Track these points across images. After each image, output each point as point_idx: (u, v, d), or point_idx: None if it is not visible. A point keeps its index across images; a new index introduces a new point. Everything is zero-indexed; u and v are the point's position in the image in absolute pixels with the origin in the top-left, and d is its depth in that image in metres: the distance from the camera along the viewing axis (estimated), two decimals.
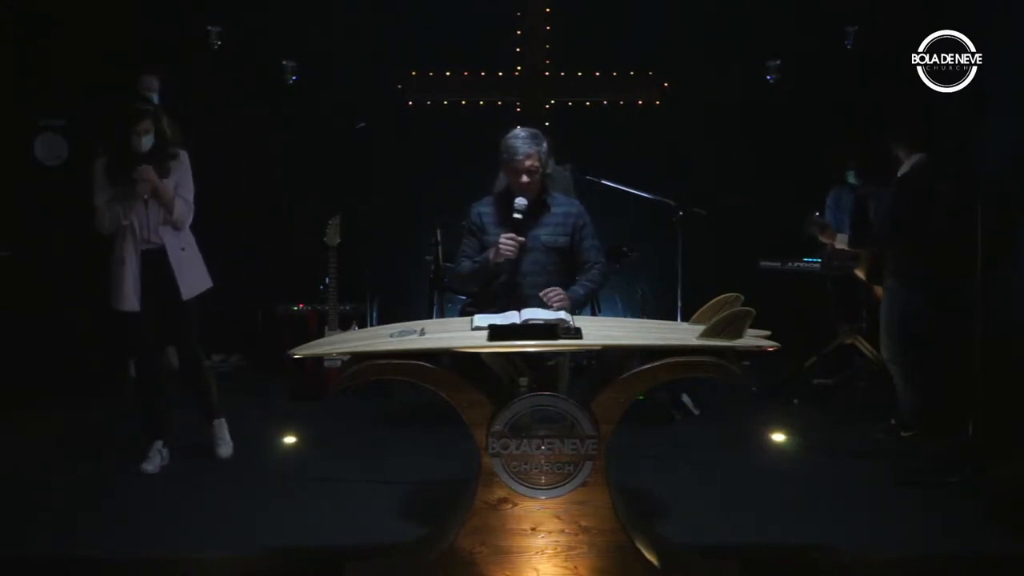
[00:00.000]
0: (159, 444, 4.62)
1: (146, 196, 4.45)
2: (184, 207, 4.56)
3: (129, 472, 4.50)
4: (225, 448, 4.73)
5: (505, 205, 3.92)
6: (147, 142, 4.46)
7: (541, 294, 3.56)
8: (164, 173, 4.50)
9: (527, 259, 3.90)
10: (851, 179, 5.99)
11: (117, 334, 5.81)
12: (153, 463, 4.56)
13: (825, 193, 6.29)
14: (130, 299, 4.46)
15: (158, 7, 6.61)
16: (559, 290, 3.62)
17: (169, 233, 4.53)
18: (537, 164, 3.89)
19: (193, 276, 4.60)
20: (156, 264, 4.50)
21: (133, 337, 4.62)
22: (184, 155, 4.62)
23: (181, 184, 4.57)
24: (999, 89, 5.12)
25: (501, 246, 3.79)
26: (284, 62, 6.89)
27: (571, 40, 6.86)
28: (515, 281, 3.90)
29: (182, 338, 4.74)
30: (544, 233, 3.94)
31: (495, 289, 4.00)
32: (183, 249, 4.57)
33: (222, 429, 4.77)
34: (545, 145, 3.96)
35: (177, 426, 4.80)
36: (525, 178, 3.87)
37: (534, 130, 4.01)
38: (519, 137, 3.92)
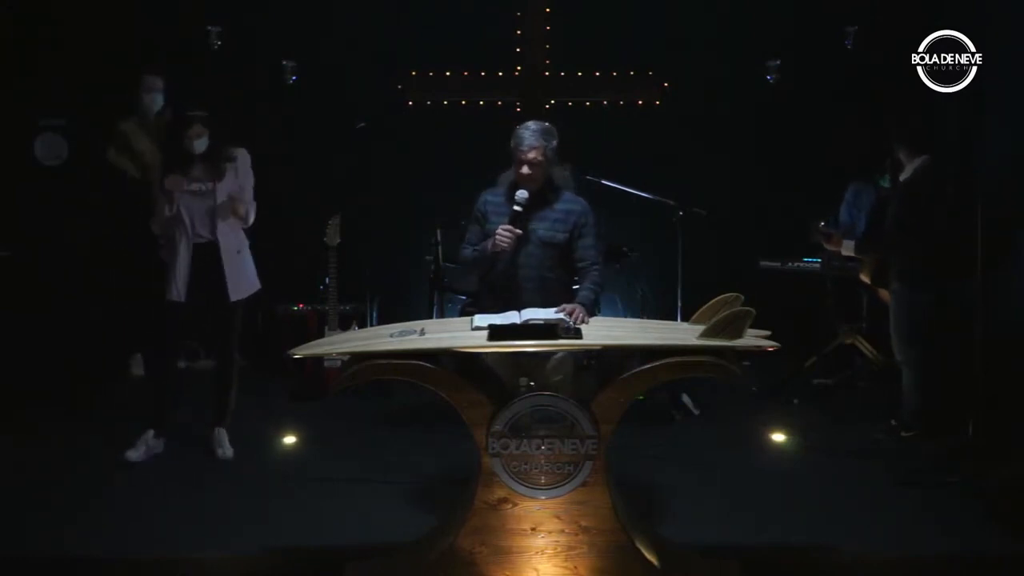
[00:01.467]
0: (150, 434, 4.68)
1: (173, 192, 4.53)
2: (250, 207, 4.68)
3: (128, 470, 4.51)
4: (224, 452, 4.74)
5: (511, 196, 3.92)
6: (200, 145, 4.57)
7: (564, 314, 3.51)
8: (219, 175, 4.59)
9: (523, 252, 3.91)
10: (885, 183, 5.92)
11: (128, 328, 5.87)
12: (138, 451, 4.63)
13: (828, 192, 6.26)
14: (177, 290, 4.56)
15: (158, 7, 6.60)
16: (578, 309, 3.58)
17: (227, 233, 4.62)
18: (541, 158, 3.89)
19: (243, 279, 4.69)
20: (207, 260, 4.59)
21: (165, 327, 4.69)
22: (243, 154, 4.72)
23: (245, 186, 4.69)
24: (999, 89, 5.13)
25: (497, 237, 3.81)
26: (284, 62, 6.87)
27: (571, 40, 6.85)
28: (510, 273, 3.91)
29: (223, 337, 4.80)
30: (543, 228, 3.94)
31: (491, 279, 4.01)
32: (239, 252, 4.67)
33: (222, 436, 4.78)
34: (554, 142, 3.96)
35: (178, 426, 4.82)
36: (526, 169, 3.88)
37: (547, 125, 3.99)
38: (528, 128, 3.93)
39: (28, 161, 6.50)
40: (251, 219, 4.72)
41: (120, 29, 6.53)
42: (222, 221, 4.60)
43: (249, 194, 4.72)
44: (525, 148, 3.88)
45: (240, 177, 4.68)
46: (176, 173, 4.56)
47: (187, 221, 4.58)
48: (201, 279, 4.59)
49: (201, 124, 4.58)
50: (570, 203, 4.01)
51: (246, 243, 4.75)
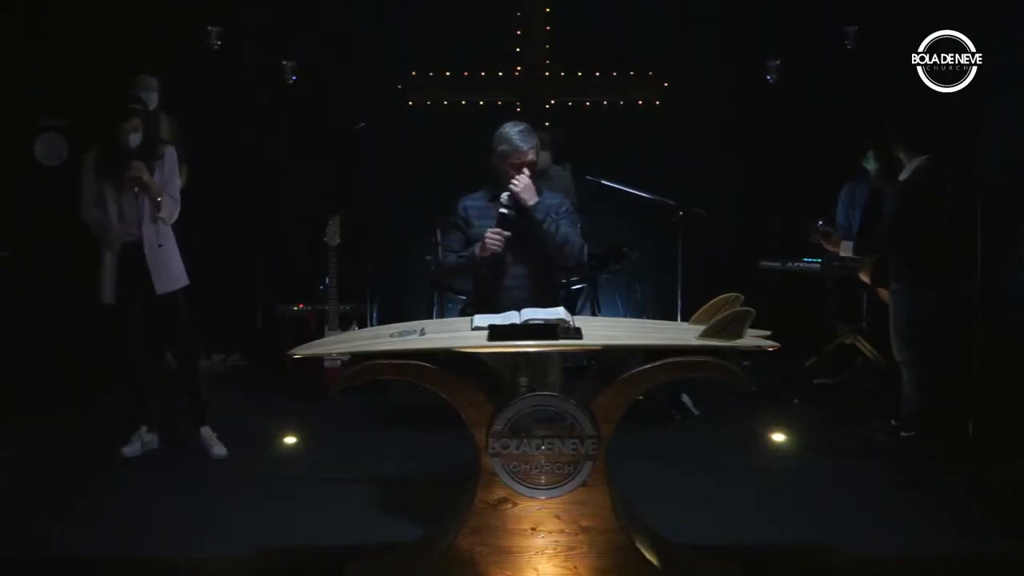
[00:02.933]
0: (143, 430, 4.71)
1: (136, 190, 4.53)
2: (171, 203, 4.65)
3: (127, 470, 4.52)
4: (216, 451, 4.72)
5: (493, 199, 3.93)
6: (135, 139, 4.56)
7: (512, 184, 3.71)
8: (149, 171, 4.57)
9: (511, 251, 3.91)
10: (869, 164, 5.92)
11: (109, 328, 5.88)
12: (134, 447, 4.67)
13: (828, 192, 6.28)
14: (107, 291, 4.58)
15: (158, 7, 6.60)
16: (527, 180, 3.79)
17: (149, 228, 4.60)
18: (535, 157, 3.95)
19: (168, 272, 4.65)
20: (135, 257, 4.58)
21: (114, 327, 4.69)
22: (171, 151, 4.70)
23: (168, 181, 4.65)
24: (999, 89, 5.13)
25: (488, 241, 3.82)
26: (284, 62, 6.88)
27: (571, 40, 6.86)
28: (499, 273, 3.92)
29: (170, 334, 4.81)
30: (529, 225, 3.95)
31: (479, 281, 4.02)
32: (160, 245, 4.63)
33: (211, 436, 4.76)
34: (537, 139, 4.01)
35: (176, 425, 4.82)
36: (526, 171, 3.89)
37: (527, 123, 4.04)
38: (516, 130, 3.95)
39: (28, 161, 6.50)
40: (173, 217, 4.67)
41: (120, 29, 6.53)
42: (148, 216, 4.58)
43: (173, 191, 4.67)
44: (524, 150, 3.89)
45: (165, 173, 4.64)
46: (109, 165, 4.53)
47: (117, 219, 4.56)
48: (130, 278, 4.57)
49: (138, 117, 4.56)
50: (548, 199, 4.04)
51: (170, 237, 4.70)
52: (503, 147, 3.94)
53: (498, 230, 3.83)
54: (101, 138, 4.63)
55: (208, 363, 6.41)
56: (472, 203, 4.05)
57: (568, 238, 3.93)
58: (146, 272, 4.58)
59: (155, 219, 4.60)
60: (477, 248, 3.86)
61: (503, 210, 3.85)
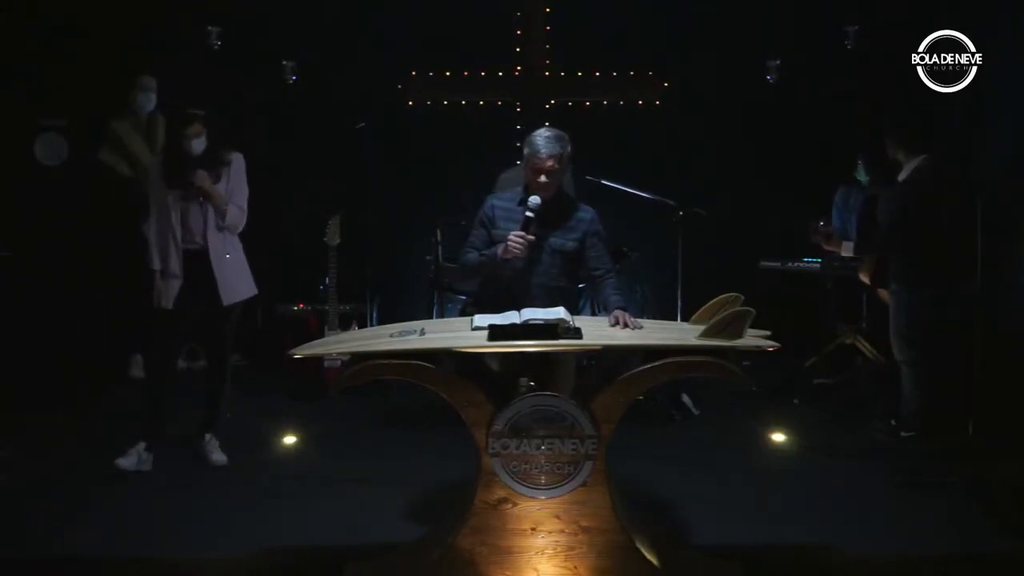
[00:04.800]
0: (141, 446, 4.56)
1: (201, 199, 4.47)
2: (237, 213, 4.56)
3: (126, 475, 4.51)
4: (217, 458, 4.68)
5: (523, 201, 3.90)
6: (198, 145, 4.47)
7: (611, 324, 3.53)
8: (215, 178, 4.50)
9: (532, 259, 3.88)
10: (860, 175, 5.93)
11: (129, 330, 5.87)
12: (129, 460, 4.54)
13: (828, 192, 6.28)
14: (166, 298, 4.49)
15: (158, 7, 6.60)
16: (625, 314, 3.57)
17: (215, 237, 4.52)
18: (557, 166, 3.86)
19: (235, 282, 4.58)
20: (199, 266, 4.50)
21: (156, 334, 4.64)
22: (238, 159, 4.60)
23: (235, 190, 4.57)
24: (999, 89, 5.13)
25: (510, 243, 3.77)
26: (284, 62, 6.88)
27: (571, 40, 6.86)
28: (517, 280, 3.89)
29: (215, 342, 4.75)
30: (554, 235, 3.91)
31: (496, 286, 3.99)
32: (228, 255, 4.55)
33: (214, 443, 4.72)
34: (569, 148, 3.92)
35: (176, 428, 4.82)
36: (543, 178, 3.85)
37: (560, 132, 3.96)
38: (543, 136, 3.88)
39: (28, 161, 6.50)
40: (239, 226, 4.60)
41: (120, 29, 6.53)
42: (214, 225, 4.50)
43: (240, 201, 4.58)
44: (544, 156, 3.84)
45: (232, 182, 4.55)
46: (173, 173, 4.46)
47: (176, 226, 4.47)
48: (193, 286, 4.49)
49: (200, 123, 4.47)
50: (580, 211, 3.99)
51: (238, 247, 4.63)
52: (526, 150, 3.90)
53: (522, 233, 3.79)
54: (164, 144, 4.56)
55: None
56: (499, 203, 4.01)
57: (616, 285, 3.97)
58: (210, 282, 4.49)
59: (220, 228, 4.50)
60: (500, 249, 3.83)
61: (529, 213, 3.82)
